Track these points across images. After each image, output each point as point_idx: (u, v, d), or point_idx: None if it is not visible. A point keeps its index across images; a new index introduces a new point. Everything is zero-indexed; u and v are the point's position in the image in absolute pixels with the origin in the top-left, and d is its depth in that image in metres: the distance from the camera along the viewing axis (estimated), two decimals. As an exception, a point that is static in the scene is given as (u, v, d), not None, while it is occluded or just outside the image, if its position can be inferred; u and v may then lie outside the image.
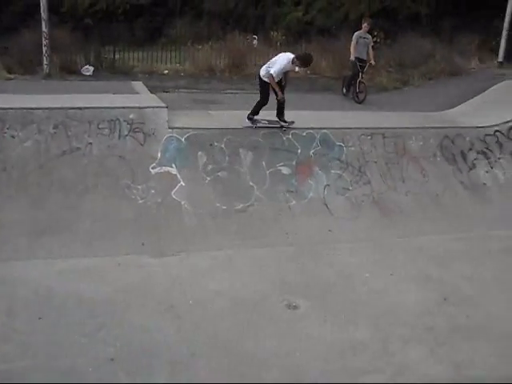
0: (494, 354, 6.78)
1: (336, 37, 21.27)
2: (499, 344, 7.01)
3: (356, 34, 16.01)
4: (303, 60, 11.08)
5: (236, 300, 7.71)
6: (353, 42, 15.84)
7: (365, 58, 15.77)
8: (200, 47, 20.10)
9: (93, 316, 7.11)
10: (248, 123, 11.29)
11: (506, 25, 20.33)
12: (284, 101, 11.19)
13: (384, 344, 6.87)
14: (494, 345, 6.98)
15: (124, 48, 19.33)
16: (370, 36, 16.29)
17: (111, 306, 7.39)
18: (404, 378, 6.27)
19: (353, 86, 16.01)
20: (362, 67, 15.62)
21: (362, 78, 15.69)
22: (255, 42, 21.61)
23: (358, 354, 6.68)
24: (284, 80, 11.41)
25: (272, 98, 11.35)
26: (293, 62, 10.95)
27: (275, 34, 23.63)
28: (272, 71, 10.92)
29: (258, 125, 11.29)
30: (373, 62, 15.96)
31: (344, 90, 16.39)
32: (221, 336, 6.89)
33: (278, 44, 22.47)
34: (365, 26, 16.11)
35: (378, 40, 21.78)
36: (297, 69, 11.43)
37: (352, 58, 15.78)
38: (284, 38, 23.48)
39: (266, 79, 11.11)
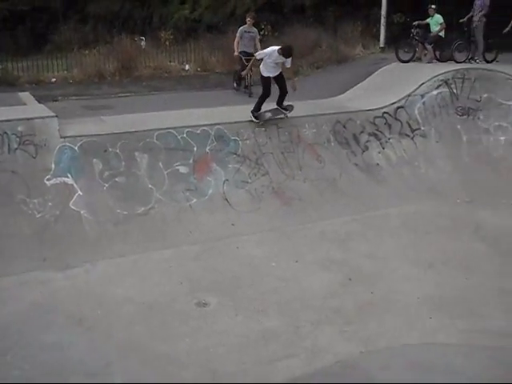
0: (399, 325, 7.11)
1: (224, 33, 21.39)
2: (402, 314, 7.35)
3: (240, 28, 16.08)
4: (284, 50, 11.53)
5: (145, 304, 7.64)
6: (236, 38, 15.93)
7: (251, 51, 15.62)
8: (87, 52, 19.64)
9: (-4, 340, 6.83)
10: (253, 119, 11.72)
11: (383, 12, 21.17)
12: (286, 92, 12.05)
13: (295, 330, 7.04)
14: (398, 316, 7.32)
15: (7, 58, 18.54)
16: (255, 30, 16.40)
17: (15, 328, 7.12)
18: (317, 360, 6.44)
19: (243, 80, 16.14)
20: (248, 61, 15.58)
21: (251, 71, 15.73)
22: (143, 43, 21.36)
23: (270, 342, 6.80)
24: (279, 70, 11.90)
25: (275, 89, 11.98)
26: (278, 52, 11.52)
27: (164, 33, 23.46)
28: (257, 53, 12.36)
29: (264, 119, 11.79)
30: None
31: (235, 85, 16.51)
32: (134, 341, 6.82)
33: (168, 43, 22.35)
34: (248, 20, 16.17)
35: (266, 33, 22.14)
36: (287, 64, 11.81)
37: (236, 53, 15.87)
38: (172, 37, 23.36)
39: (265, 74, 11.79)
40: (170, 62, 19.69)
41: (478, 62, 15.86)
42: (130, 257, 9.02)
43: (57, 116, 10.84)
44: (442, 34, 16.32)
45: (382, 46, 21.29)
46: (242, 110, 12.16)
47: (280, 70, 11.86)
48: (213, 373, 6.22)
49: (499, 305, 7.55)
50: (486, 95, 13.79)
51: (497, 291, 7.93)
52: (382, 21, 21.26)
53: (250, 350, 6.61)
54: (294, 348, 6.66)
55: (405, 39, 16.95)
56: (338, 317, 7.30)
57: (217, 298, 7.78)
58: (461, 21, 16.52)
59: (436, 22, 16.29)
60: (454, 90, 13.85)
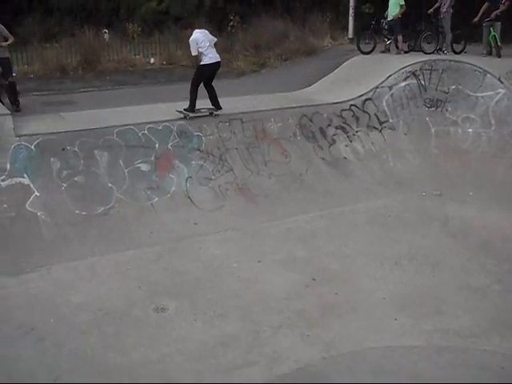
0: (364, 328, 6.90)
1: (191, 25, 20.97)
2: (367, 316, 7.16)
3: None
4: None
5: (101, 311, 7.32)
6: None
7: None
8: (48, 45, 19.08)
9: None
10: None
11: (351, 3, 20.96)
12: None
13: (255, 335, 6.79)
14: (363, 318, 7.12)
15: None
16: None
17: (-40, 340, 6.78)
18: (277, 367, 6.21)
19: None
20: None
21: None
22: (106, 36, 20.84)
23: (229, 349, 6.54)
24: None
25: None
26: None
27: (131, 25, 22.97)
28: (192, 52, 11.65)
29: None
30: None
31: None
32: (86, 353, 6.50)
33: (135, 36, 21.89)
34: None
35: (234, 24, 21.81)
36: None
37: None
38: (140, 29, 22.89)
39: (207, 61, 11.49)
40: (135, 55, 19.24)
41: (445, 53, 15.77)
42: (88, 260, 8.68)
43: (11, 114, 10.46)
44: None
45: (350, 37, 21.09)
46: (206, 105, 11.87)
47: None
48: (169, 384, 5.96)
49: (464, 303, 7.41)
50: (453, 87, 13.70)
51: (463, 289, 7.79)
52: (351, 11, 21.08)
53: (208, 358, 6.34)
54: (254, 354, 6.41)
55: (366, 30, 16.74)
56: (301, 320, 7.06)
57: (176, 302, 7.50)
58: (428, 12, 16.38)
59: (396, 2, 15.85)
60: (422, 82, 13.74)
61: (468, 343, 6.56)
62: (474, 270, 8.38)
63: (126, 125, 10.66)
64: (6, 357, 6.39)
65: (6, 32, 12.14)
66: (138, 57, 19.21)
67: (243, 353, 6.47)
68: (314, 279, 8.05)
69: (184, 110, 11.38)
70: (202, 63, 11.30)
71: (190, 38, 11.23)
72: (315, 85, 14.97)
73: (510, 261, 8.65)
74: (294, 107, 12.46)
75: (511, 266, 8.49)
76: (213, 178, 10.74)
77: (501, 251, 8.96)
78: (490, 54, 15.58)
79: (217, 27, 21.28)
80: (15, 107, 12.30)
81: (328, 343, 6.58)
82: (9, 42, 12.18)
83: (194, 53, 11.29)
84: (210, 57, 11.30)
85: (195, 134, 11.06)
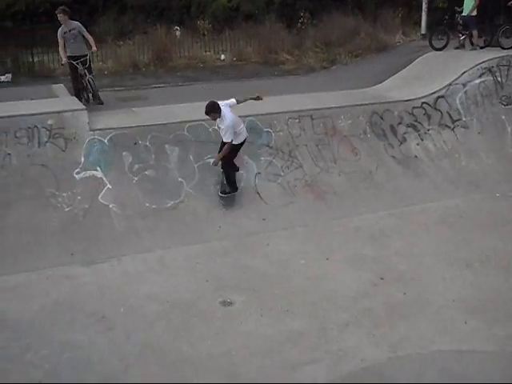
0: (431, 329, 6.75)
1: (261, 22, 21.06)
2: (436, 318, 6.99)
3: (59, 31, 12.48)
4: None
5: (169, 303, 7.46)
6: (60, 43, 12.50)
7: (81, 52, 12.54)
8: (121, 43, 19.53)
9: (17, 338, 6.74)
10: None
11: (425, -4, 20.48)
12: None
13: (321, 332, 6.75)
14: (431, 320, 6.96)
15: (47, 50, 18.55)
16: (76, 23, 12.63)
17: (39, 325, 7.05)
18: (342, 365, 6.15)
19: (82, 90, 12.88)
20: (82, 64, 12.52)
21: (86, 74, 12.64)
22: (178, 33, 21.13)
23: (295, 345, 6.53)
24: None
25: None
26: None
27: (201, 22, 23.23)
28: (224, 138, 9.93)
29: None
30: (94, 48, 12.62)
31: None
32: (154, 343, 6.65)
33: (205, 33, 22.11)
34: (60, 17, 12.45)
35: (305, 21, 21.70)
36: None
37: (64, 59, 12.60)
38: (211, 26, 23.12)
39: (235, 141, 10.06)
40: (206, 51, 19.41)
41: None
42: (157, 252, 8.87)
43: (86, 109, 10.77)
44: (474, 12, 15.23)
45: (423, 32, 20.56)
46: (277, 100, 11.87)
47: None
48: (234, 378, 5.99)
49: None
50: (532, 83, 13.16)
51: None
52: (424, 6, 20.51)
53: (273, 354, 6.35)
54: (320, 352, 6.37)
55: (439, 26, 16.28)
56: (367, 319, 6.97)
57: (243, 296, 7.54)
58: (508, 4, 15.79)
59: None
60: (499, 79, 13.27)
61: (543, 350, 6.32)
62: (551, 275, 8.06)
63: (197, 120, 10.78)
64: (80, 343, 6.61)
65: (85, 32, 12.49)
66: (208, 53, 19.38)
67: (309, 350, 6.44)
68: (382, 278, 7.93)
69: (223, 193, 10.27)
70: (235, 142, 9.92)
71: (227, 123, 9.63)
72: (386, 82, 14.70)
73: None
74: (364, 104, 12.28)
75: None
76: (282, 174, 10.73)
77: None
78: None
79: (287, 24, 21.28)
80: (98, 101, 12.63)
81: (394, 343, 6.48)
82: (93, 47, 12.50)
83: (229, 139, 9.77)
84: (243, 134, 10.15)
85: (265, 130, 11.08)
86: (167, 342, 6.64)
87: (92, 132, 10.33)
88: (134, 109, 12.32)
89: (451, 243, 8.99)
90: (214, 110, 9.68)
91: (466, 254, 8.60)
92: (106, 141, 10.28)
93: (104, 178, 10.01)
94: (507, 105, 13.16)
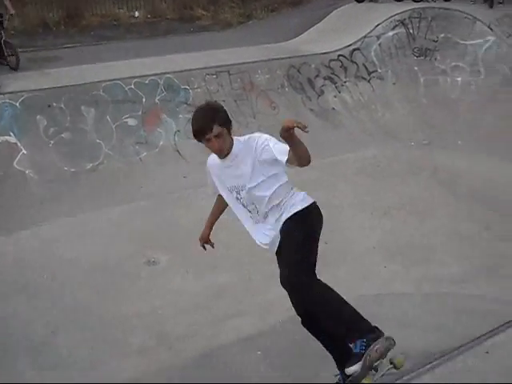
0: (354, 276, 6.98)
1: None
2: (357, 265, 7.23)
3: None
4: None
5: (94, 265, 7.37)
6: None
7: None
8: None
9: None
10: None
11: None
12: None
13: (247, 285, 6.87)
14: (352, 267, 7.20)
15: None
16: None
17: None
18: (269, 316, 6.28)
19: None
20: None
21: (3, 36, 12.12)
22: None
23: (222, 299, 6.62)
24: None
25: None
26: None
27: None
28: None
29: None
30: (12, 10, 12.26)
31: None
32: (80, 306, 6.58)
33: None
34: None
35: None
36: None
37: None
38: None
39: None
40: (119, 8, 18.80)
41: (434, 1, 15.47)
42: (79, 216, 8.67)
43: (-7, 72, 10.34)
44: None
45: (337, -15, 20.69)
46: (193, 58, 11.72)
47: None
48: (162, 335, 6.03)
49: (453, 251, 7.50)
50: (442, 35, 13.56)
51: (451, 237, 7.87)
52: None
53: (200, 309, 6.42)
54: (246, 304, 6.49)
55: None
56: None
57: (168, 255, 7.55)
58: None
59: None
60: (411, 31, 13.58)
61: (457, 289, 6.65)
62: (463, 218, 8.45)
63: (113, 80, 10.51)
64: (3, 314, 6.44)
65: None
66: (121, 10, 18.75)
67: (235, 303, 6.54)
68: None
69: None
70: None
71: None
72: (303, 35, 14.77)
73: (497, 208, 8.73)
74: (281, 58, 12.31)
75: (499, 214, 8.58)
76: (201, 131, 10.63)
77: (489, 199, 9.03)
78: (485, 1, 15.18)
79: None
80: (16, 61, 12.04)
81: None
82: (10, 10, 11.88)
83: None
84: None
85: (182, 87, 10.94)
86: (93, 305, 6.58)
87: (2, 96, 9.91)
88: (46, 70, 11.86)
89: (370, 192, 9.25)
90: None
91: (383, 202, 8.88)
92: (17, 104, 9.89)
93: (18, 143, 9.66)
94: (419, 56, 13.50)
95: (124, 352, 5.83)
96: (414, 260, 7.27)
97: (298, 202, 4.70)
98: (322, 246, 7.45)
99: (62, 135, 9.93)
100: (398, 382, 3.95)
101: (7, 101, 9.87)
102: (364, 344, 4.09)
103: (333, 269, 7.10)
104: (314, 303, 4.30)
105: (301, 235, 4.50)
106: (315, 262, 4.54)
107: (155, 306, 6.48)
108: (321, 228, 4.79)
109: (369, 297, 6.47)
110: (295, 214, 4.57)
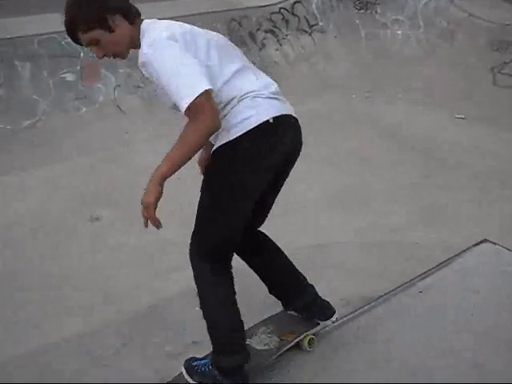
0: (295, 228, 7.03)
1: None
2: (298, 217, 7.31)
3: None
4: None
5: (34, 224, 7.22)
6: None
7: None
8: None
9: None
10: None
11: None
12: None
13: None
14: (293, 219, 7.23)
15: None
16: None
17: None
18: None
19: None
20: None
21: None
22: None
23: (166, 253, 6.59)
24: None
25: None
26: None
27: None
28: None
29: None
30: None
31: None
32: (20, 266, 6.43)
33: None
34: None
35: None
36: None
37: None
38: None
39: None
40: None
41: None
42: (16, 175, 8.46)
43: None
44: None
45: None
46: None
47: None
48: (106, 291, 6.00)
49: (394, 199, 7.66)
50: (382, -12, 13.59)
51: (392, 185, 8.00)
52: None
53: (144, 264, 6.39)
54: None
55: None
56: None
57: (111, 210, 7.46)
58: None
59: None
60: (352, -17, 13.56)
61: (397, 237, 6.82)
62: (403, 168, 8.63)
63: (48, 33, 10.15)
64: None
65: None
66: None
67: (180, 257, 6.53)
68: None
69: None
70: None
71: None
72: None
73: (435, 158, 8.96)
74: (220, 11, 12.12)
75: (437, 163, 8.81)
76: (141, 85, 10.44)
77: (428, 151, 9.24)
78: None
79: None
80: None
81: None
82: None
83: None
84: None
85: (121, 41, 10.66)
86: (35, 264, 6.45)
87: None
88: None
89: (310, 144, 9.18)
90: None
91: (324, 153, 8.96)
92: None
93: (-51, 100, 9.32)
94: (360, 9, 13.54)
95: (69, 310, 5.78)
96: (355, 209, 7.41)
97: (233, 124, 3.13)
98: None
99: (-3, 91, 9.61)
100: (335, 324, 4.06)
101: None
102: (209, 364, 3.47)
103: (274, 222, 7.16)
104: (199, 294, 3.58)
105: (213, 189, 3.36)
106: (228, 237, 3.39)
107: (99, 263, 6.42)
108: (263, 180, 3.30)
109: (311, 247, 6.59)
110: (221, 146, 3.19)
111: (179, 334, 4.75)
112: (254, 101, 3.16)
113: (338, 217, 7.25)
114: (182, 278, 6.13)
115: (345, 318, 4.16)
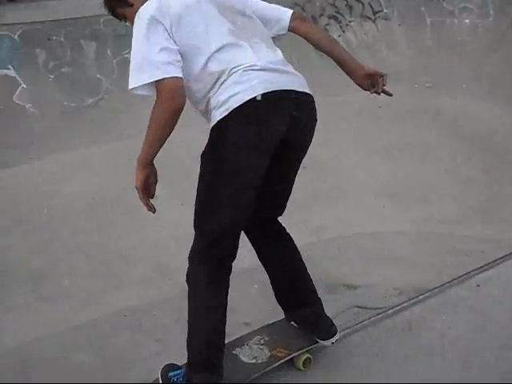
0: (352, 215, 7.04)
1: None
2: (356, 204, 7.29)
3: None
4: None
5: (95, 200, 7.41)
6: None
7: None
8: None
9: None
10: None
11: None
12: None
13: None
14: (352, 205, 7.26)
15: None
16: None
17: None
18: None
19: None
20: None
21: None
22: None
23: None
24: None
25: None
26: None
27: None
28: None
29: None
30: None
31: None
32: (81, 240, 6.63)
33: None
34: None
35: None
36: None
37: None
38: None
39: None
40: None
41: None
42: (79, 151, 8.67)
43: (-9, 2, 10.15)
44: None
45: None
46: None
47: None
48: (161, 266, 6.11)
49: (451, 192, 7.55)
50: (451, -26, 13.21)
51: (450, 178, 7.90)
52: None
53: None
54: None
55: None
56: (289, 205, 7.16)
57: (168, 189, 7.50)
58: None
59: None
60: (419, -31, 13.23)
61: (453, 230, 6.70)
62: (462, 160, 8.48)
63: (113, 13, 10.30)
64: (1, 244, 6.49)
65: None
66: None
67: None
68: (305, 167, 8.08)
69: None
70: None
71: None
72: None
73: (497, 153, 8.73)
74: (286, -4, 12.05)
75: (497, 158, 8.59)
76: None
77: (489, 144, 9.03)
78: None
79: None
80: None
81: (316, 228, 6.72)
82: None
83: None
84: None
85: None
86: (94, 238, 6.64)
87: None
88: (44, 2, 11.63)
89: (371, 134, 9.22)
90: None
91: (384, 143, 8.88)
92: (16, 37, 9.70)
93: (17, 77, 9.52)
94: (427, -4, 13.22)
95: (125, 283, 5.93)
96: (412, 200, 7.33)
97: (221, 102, 2.87)
98: (321, 185, 7.58)
99: (62, 70, 9.80)
100: (389, 312, 4.02)
101: (5, 33, 9.66)
102: (182, 376, 3.18)
103: (332, 207, 7.18)
104: (188, 295, 3.31)
105: (206, 177, 3.10)
106: (229, 228, 3.06)
107: (154, 239, 6.55)
108: (257, 165, 2.94)
109: (367, 235, 6.55)
110: (212, 129, 2.95)
111: (230, 314, 4.79)
112: (243, 75, 2.84)
113: (395, 206, 7.19)
114: (237, 260, 6.22)
115: (398, 307, 4.11)
